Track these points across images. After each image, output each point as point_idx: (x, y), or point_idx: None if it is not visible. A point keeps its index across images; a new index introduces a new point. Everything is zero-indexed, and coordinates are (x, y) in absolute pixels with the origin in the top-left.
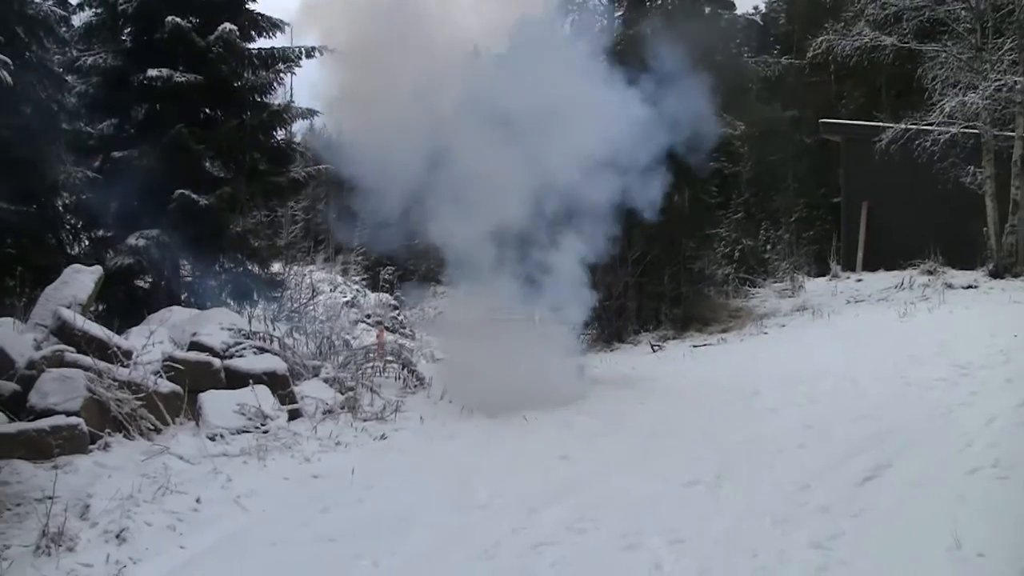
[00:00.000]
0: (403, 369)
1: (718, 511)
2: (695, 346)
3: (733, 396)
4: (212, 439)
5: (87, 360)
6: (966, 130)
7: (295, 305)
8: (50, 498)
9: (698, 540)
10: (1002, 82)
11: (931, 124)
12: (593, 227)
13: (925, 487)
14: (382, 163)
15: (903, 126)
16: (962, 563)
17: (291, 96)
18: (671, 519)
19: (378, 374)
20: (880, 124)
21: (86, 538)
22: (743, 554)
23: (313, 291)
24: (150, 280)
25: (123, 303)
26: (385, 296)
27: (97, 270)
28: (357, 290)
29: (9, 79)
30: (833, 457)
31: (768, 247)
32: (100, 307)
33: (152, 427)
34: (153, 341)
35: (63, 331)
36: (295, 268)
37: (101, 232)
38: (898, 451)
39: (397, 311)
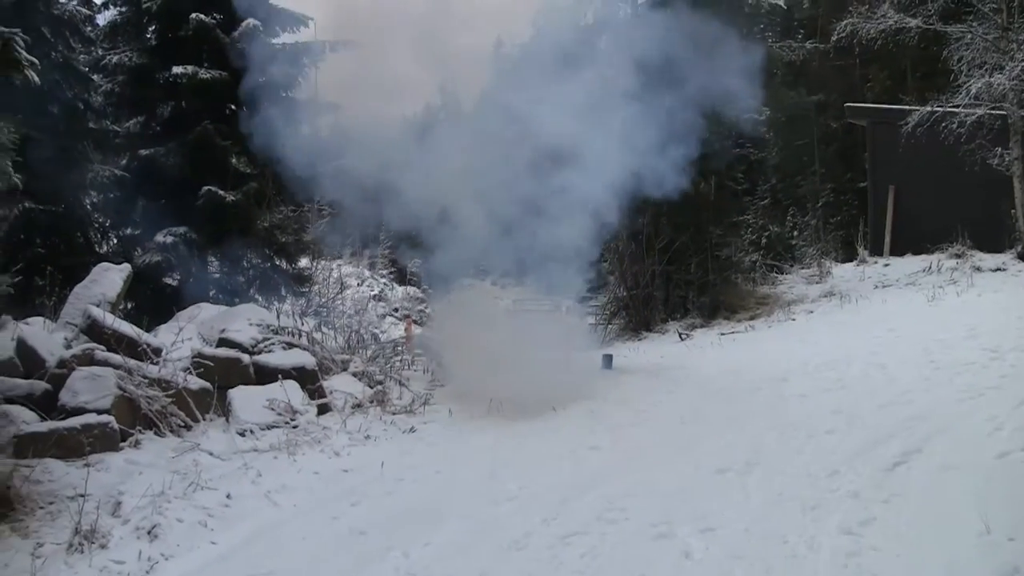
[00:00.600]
0: (431, 362)
1: (748, 498)
2: (723, 334)
3: (762, 383)
4: (242, 435)
5: (117, 358)
6: (993, 111)
7: (323, 300)
8: (82, 496)
9: (728, 528)
10: None
11: (957, 106)
12: (607, 209)
13: (955, 472)
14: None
15: (929, 109)
16: (992, 548)
17: (316, 90)
18: (701, 507)
19: (406, 367)
20: (906, 107)
21: (118, 535)
22: (773, 541)
23: (341, 286)
24: (178, 277)
25: (152, 301)
26: (412, 289)
27: (126, 268)
28: (384, 284)
29: (36, 79)
30: (863, 443)
31: (795, 233)
32: (129, 305)
33: (182, 424)
34: (182, 338)
35: (93, 329)
36: (322, 263)
37: (129, 230)
38: (928, 436)
39: (424, 304)
